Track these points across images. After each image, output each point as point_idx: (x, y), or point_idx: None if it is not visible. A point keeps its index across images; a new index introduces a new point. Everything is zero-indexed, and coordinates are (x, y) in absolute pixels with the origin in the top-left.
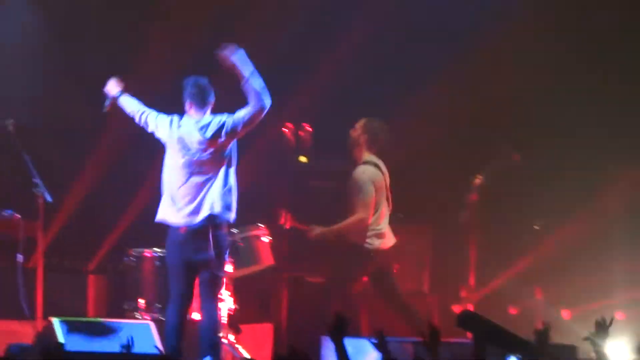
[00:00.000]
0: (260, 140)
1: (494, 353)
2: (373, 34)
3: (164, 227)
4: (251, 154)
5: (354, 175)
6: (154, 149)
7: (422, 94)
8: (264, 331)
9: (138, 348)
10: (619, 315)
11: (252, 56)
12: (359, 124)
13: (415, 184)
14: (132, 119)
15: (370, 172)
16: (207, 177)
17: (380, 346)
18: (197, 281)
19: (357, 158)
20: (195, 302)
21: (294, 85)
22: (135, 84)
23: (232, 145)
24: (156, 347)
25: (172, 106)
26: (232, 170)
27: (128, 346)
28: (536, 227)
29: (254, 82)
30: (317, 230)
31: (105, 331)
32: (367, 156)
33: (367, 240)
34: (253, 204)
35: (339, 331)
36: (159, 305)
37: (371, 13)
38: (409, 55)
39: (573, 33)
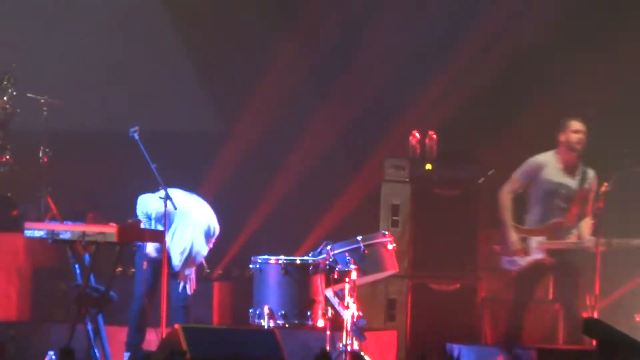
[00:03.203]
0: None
1: None
2: (495, 39)
3: (288, 236)
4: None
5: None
6: (277, 156)
7: (544, 97)
8: (388, 338)
9: (262, 354)
10: None
11: (377, 62)
12: None
13: None
14: None
15: None
16: None
17: (509, 350)
18: None
19: None
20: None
21: (421, 92)
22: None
23: None
24: (279, 353)
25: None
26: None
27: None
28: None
29: None
30: None
31: (230, 338)
32: None
33: None
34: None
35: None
36: (283, 312)
37: (495, 17)
38: (530, 59)
39: None
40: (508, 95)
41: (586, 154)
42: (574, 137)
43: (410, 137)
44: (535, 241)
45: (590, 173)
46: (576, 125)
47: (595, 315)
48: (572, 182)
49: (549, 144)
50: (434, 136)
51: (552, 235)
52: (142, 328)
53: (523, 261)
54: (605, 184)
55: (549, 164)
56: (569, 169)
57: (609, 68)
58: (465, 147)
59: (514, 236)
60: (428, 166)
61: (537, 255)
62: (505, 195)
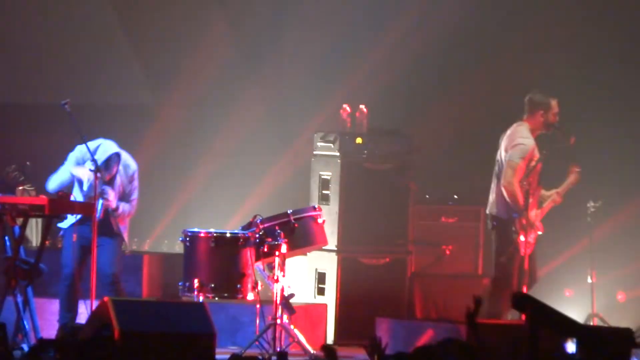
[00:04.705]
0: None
1: (548, 336)
2: (428, 14)
3: (219, 209)
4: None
5: None
6: (208, 130)
7: (475, 73)
8: (318, 312)
9: (191, 328)
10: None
11: (310, 38)
12: None
13: (470, 165)
14: None
15: None
16: None
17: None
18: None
19: None
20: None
21: (351, 66)
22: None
23: None
24: (209, 326)
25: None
26: None
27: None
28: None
29: None
30: None
31: (160, 312)
32: None
33: None
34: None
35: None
36: (213, 285)
37: None
38: (460, 36)
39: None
40: (439, 69)
41: None
42: (555, 118)
43: (341, 111)
44: (532, 215)
45: None
46: (557, 106)
47: (525, 289)
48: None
49: (480, 119)
50: (365, 110)
51: (537, 206)
52: (73, 306)
53: (532, 239)
54: (536, 157)
55: (534, 143)
56: (536, 142)
57: (541, 43)
58: (395, 122)
59: (533, 216)
60: (358, 140)
61: (538, 229)
62: (518, 186)
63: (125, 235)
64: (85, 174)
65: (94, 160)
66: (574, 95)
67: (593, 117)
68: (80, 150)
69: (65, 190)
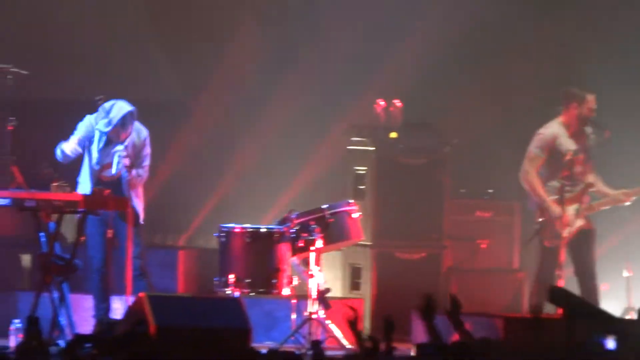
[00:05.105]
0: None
1: (585, 330)
2: (462, 4)
3: (255, 203)
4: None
5: None
6: (243, 126)
7: (511, 66)
8: (354, 306)
9: (227, 323)
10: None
11: (344, 32)
12: None
13: (505, 159)
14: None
15: None
16: None
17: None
18: None
19: None
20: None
21: (385, 60)
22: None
23: None
24: (244, 321)
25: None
26: None
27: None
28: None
29: None
30: None
31: (195, 307)
32: None
33: None
34: None
35: (430, 312)
36: (249, 281)
37: None
38: (496, 28)
39: None
40: (473, 62)
41: None
42: (590, 113)
43: (375, 105)
44: (572, 209)
45: (589, 130)
46: (593, 101)
47: (562, 283)
48: (575, 146)
49: (515, 113)
50: (399, 104)
51: (583, 200)
52: (106, 297)
53: (566, 232)
54: (570, 152)
55: (560, 134)
56: (574, 135)
57: (580, 35)
58: (430, 116)
59: (558, 210)
60: (393, 134)
61: (579, 223)
62: (534, 175)
63: (141, 204)
64: (67, 147)
65: (110, 124)
66: (610, 85)
67: (628, 110)
68: (88, 118)
69: (73, 156)
